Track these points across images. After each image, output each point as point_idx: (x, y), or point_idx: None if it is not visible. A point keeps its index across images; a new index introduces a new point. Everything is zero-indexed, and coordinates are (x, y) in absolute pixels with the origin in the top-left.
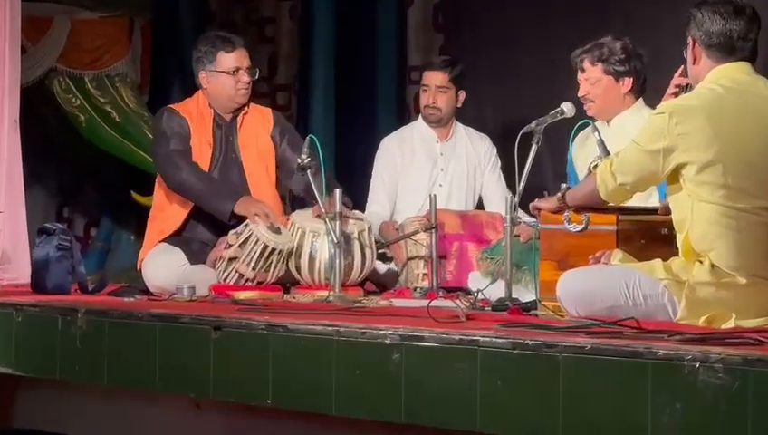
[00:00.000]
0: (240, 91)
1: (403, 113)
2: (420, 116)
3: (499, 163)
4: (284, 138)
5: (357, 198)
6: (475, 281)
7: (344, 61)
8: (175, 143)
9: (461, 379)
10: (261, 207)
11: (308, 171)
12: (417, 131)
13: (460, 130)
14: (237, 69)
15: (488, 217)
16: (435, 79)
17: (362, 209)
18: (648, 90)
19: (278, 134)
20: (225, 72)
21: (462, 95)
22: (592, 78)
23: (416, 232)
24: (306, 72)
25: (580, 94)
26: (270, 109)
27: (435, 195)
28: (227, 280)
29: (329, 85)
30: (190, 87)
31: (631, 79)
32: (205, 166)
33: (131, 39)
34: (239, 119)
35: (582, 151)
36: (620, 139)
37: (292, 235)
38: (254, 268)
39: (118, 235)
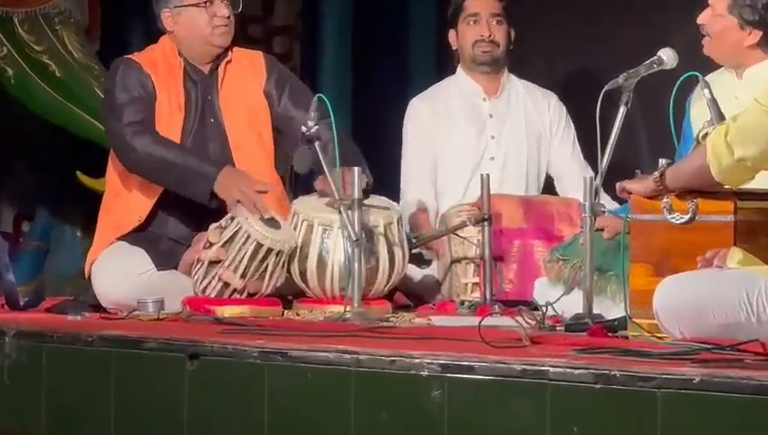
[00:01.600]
0: (218, 30)
1: (444, 64)
2: (459, 67)
3: (572, 130)
4: (284, 90)
5: (383, 180)
6: (543, 290)
7: None
8: (131, 112)
9: (524, 423)
10: (245, 186)
11: (316, 143)
12: (455, 86)
13: (515, 83)
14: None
15: (560, 205)
16: (486, 5)
17: (393, 196)
18: None
19: (274, 86)
20: (195, 5)
21: (512, 34)
22: (717, 10)
23: (462, 226)
24: (313, 8)
25: (698, 20)
26: (261, 53)
27: (487, 175)
28: (208, 291)
29: (344, 27)
30: (156, 31)
31: (761, 33)
32: (175, 137)
33: None
34: (221, 70)
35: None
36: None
37: (294, 229)
38: (243, 275)
39: (59, 231)
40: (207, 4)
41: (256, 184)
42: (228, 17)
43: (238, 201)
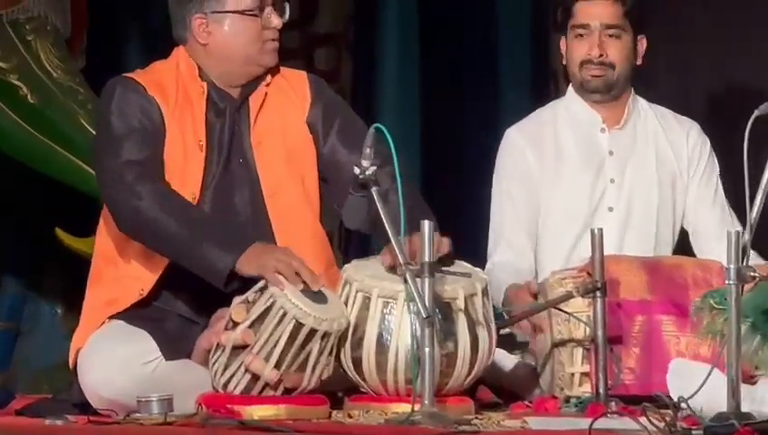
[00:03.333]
0: (269, 45)
1: (545, 85)
2: (571, 86)
3: (716, 170)
4: (333, 125)
5: (464, 242)
6: (681, 374)
7: None
8: (132, 148)
9: None
10: (285, 257)
11: (373, 189)
12: (565, 113)
13: (644, 109)
14: (261, 7)
15: (696, 269)
16: (600, 13)
17: (477, 260)
18: None
19: (321, 117)
20: (241, 13)
21: (643, 44)
22: None
23: (568, 297)
24: (369, 10)
25: None
26: (305, 73)
27: (600, 230)
28: (231, 385)
29: (409, 35)
30: (163, 45)
31: None
32: (193, 184)
33: None
34: (256, 95)
35: None
36: None
37: (345, 304)
38: (277, 364)
39: (34, 308)
40: (258, 12)
41: (296, 257)
42: (279, 30)
43: (277, 271)
